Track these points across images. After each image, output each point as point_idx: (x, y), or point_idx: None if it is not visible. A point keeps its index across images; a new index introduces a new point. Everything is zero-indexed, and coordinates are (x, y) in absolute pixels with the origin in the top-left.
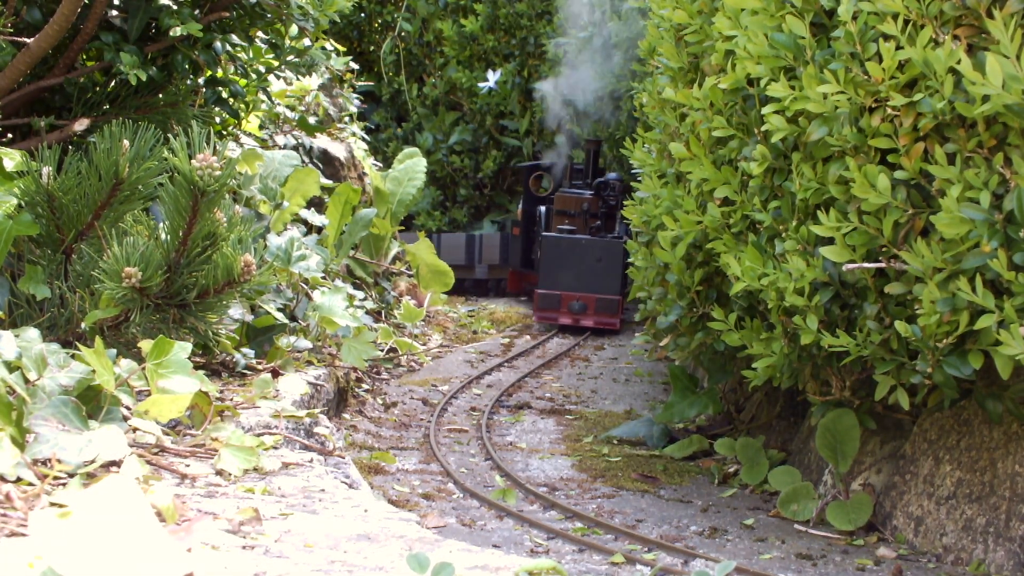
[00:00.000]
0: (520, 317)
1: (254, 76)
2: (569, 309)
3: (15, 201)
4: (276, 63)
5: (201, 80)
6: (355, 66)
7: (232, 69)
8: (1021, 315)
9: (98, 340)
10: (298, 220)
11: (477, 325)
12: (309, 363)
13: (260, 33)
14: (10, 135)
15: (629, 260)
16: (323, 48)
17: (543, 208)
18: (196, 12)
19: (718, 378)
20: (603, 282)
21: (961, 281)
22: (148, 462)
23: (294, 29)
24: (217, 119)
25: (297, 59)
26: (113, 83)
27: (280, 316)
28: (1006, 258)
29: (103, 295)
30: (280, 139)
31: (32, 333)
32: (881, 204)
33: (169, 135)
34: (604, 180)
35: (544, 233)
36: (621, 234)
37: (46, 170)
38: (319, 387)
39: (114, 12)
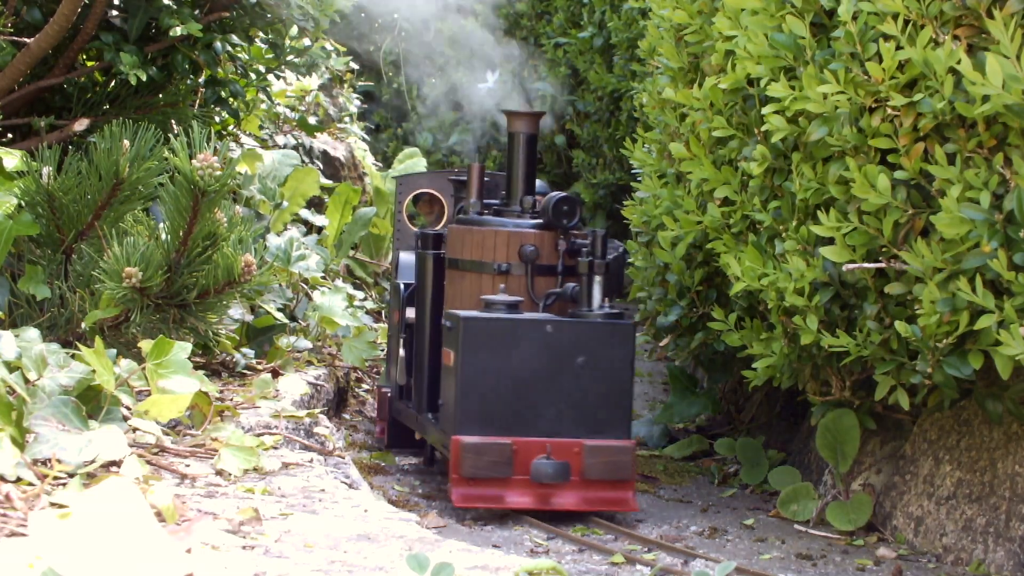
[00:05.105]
0: None
1: (254, 76)
2: (533, 476)
3: (15, 201)
4: (276, 63)
5: (201, 80)
6: (355, 66)
7: (232, 69)
8: (1021, 315)
9: (98, 340)
10: (298, 220)
11: None
12: (309, 363)
13: (260, 33)
14: (10, 135)
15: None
16: (323, 48)
17: (432, 257)
18: (196, 12)
19: (718, 378)
20: (597, 410)
21: (961, 281)
22: (148, 462)
23: (294, 29)
24: (217, 119)
25: (297, 59)
26: (113, 83)
27: (280, 316)
28: (1006, 258)
29: (103, 295)
30: (280, 139)
31: (32, 333)
32: (881, 204)
33: (169, 135)
34: (563, 196)
35: (462, 314)
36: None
37: (46, 170)
38: (319, 387)
39: (114, 12)
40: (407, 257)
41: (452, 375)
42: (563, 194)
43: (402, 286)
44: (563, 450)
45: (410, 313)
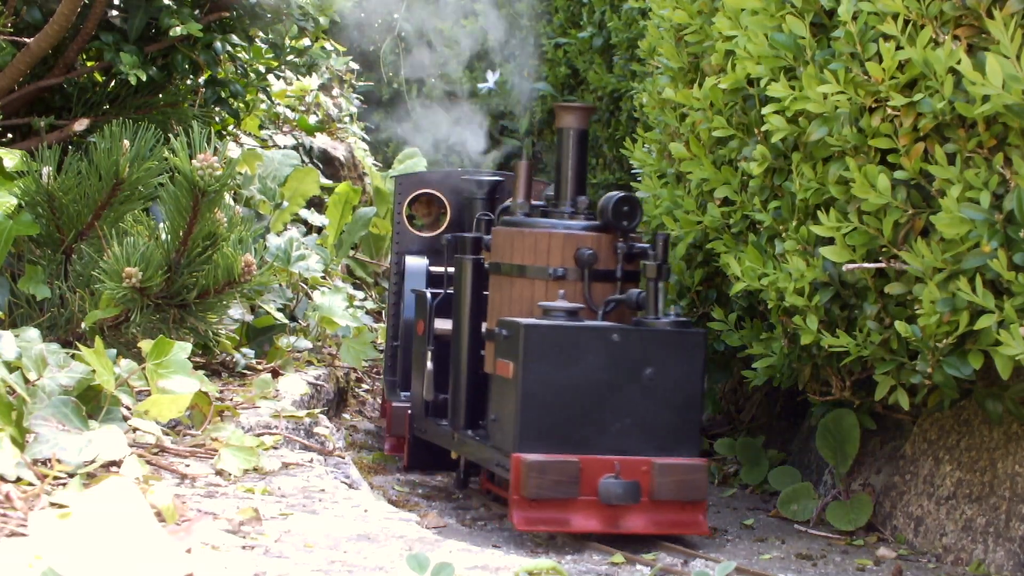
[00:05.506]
0: None
1: (254, 76)
2: (601, 496)
3: (15, 201)
4: (276, 63)
5: (201, 80)
6: (355, 66)
7: (232, 69)
8: (1021, 315)
9: (98, 340)
10: (298, 220)
11: None
12: (309, 363)
13: (260, 33)
14: (10, 135)
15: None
16: (323, 48)
17: (471, 263)
18: (196, 12)
19: (718, 378)
20: (666, 425)
21: (961, 281)
22: (148, 462)
23: (294, 29)
24: (217, 119)
25: (297, 59)
26: (113, 83)
27: (280, 316)
28: (1006, 258)
29: (103, 295)
30: (280, 139)
31: (32, 333)
32: (881, 204)
33: (169, 135)
34: (623, 195)
35: (523, 322)
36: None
37: (46, 170)
38: (319, 387)
39: (114, 12)
40: (416, 263)
41: (511, 388)
42: (623, 193)
43: (429, 295)
44: (631, 468)
45: (440, 324)
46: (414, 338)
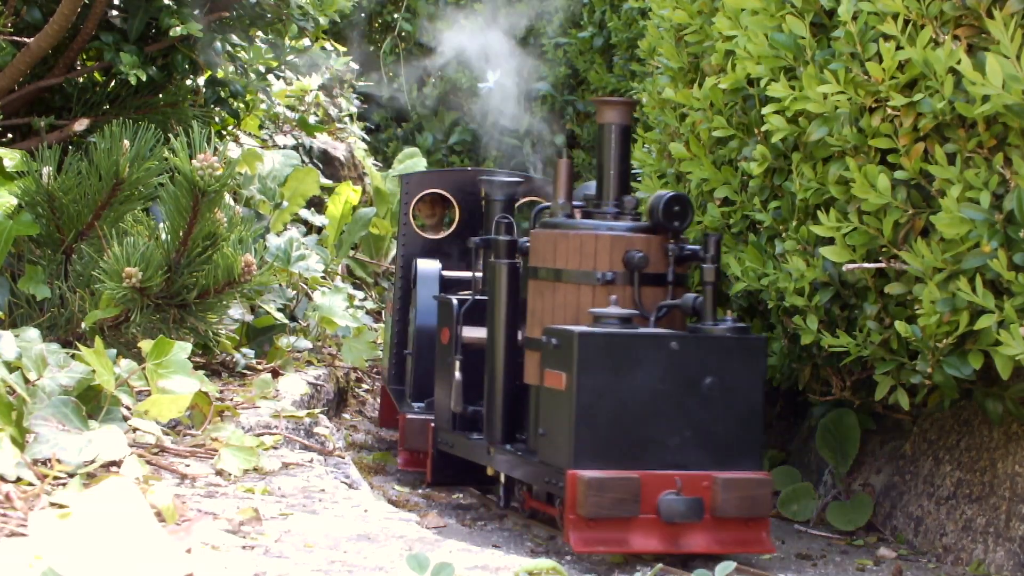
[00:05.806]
0: None
1: (254, 76)
2: (662, 514)
3: (15, 201)
4: (276, 63)
5: (201, 80)
6: (355, 66)
7: (232, 69)
8: (1021, 315)
9: (98, 340)
10: (298, 220)
11: None
12: (309, 363)
13: (260, 33)
14: (10, 135)
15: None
16: (323, 48)
17: (506, 267)
18: (196, 12)
19: None
20: (726, 437)
21: (961, 281)
22: (148, 462)
23: (294, 29)
24: (217, 119)
25: (297, 59)
26: (113, 83)
27: (280, 316)
28: (1006, 258)
29: (103, 295)
30: (280, 139)
31: (32, 333)
32: (881, 204)
33: (169, 135)
34: (674, 195)
35: (577, 330)
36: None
37: (46, 170)
38: (319, 387)
39: (114, 12)
40: (428, 267)
41: (563, 400)
42: (673, 192)
43: (455, 302)
44: (693, 484)
45: (467, 332)
46: (437, 346)
